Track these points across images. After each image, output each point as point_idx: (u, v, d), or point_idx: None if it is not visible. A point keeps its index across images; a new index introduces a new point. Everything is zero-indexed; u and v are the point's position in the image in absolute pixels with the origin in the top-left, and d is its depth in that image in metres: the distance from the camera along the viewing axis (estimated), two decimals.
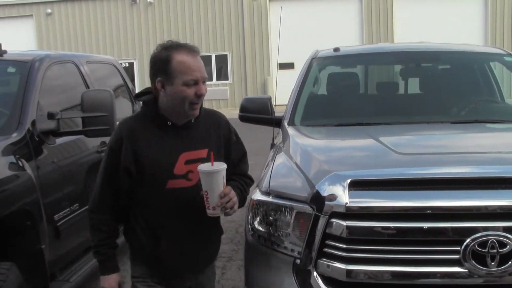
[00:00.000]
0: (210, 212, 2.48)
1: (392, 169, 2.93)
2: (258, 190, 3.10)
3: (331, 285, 2.69)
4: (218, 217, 2.62)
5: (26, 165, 3.54)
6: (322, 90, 5.29)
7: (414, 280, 2.61)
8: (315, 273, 2.72)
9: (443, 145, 3.62)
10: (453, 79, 5.05)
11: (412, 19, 24.20)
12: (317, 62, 5.02)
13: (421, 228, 2.59)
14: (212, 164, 2.43)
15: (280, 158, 3.47)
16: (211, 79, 24.28)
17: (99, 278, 2.64)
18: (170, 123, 2.54)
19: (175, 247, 2.57)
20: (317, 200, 2.72)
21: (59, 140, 4.09)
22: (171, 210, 2.53)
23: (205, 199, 2.45)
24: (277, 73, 5.27)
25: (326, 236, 2.68)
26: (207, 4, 25.84)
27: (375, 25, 25.07)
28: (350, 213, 2.63)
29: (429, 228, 2.59)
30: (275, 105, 4.46)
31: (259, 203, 3.01)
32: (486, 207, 2.59)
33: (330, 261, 2.67)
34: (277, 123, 4.38)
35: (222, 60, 25.80)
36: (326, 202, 2.67)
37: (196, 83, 2.45)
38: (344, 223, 2.62)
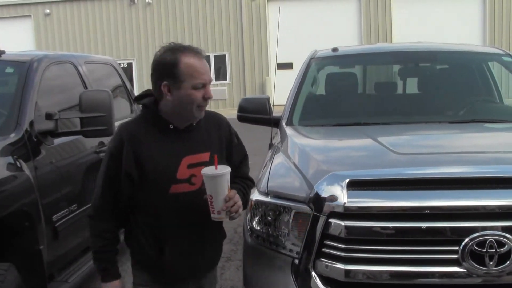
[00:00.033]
0: (215, 216, 2.42)
1: (390, 169, 2.93)
2: (256, 190, 3.09)
3: (330, 285, 2.69)
4: (221, 221, 2.57)
5: (24, 166, 3.53)
6: (321, 90, 5.29)
7: (413, 280, 2.61)
8: (313, 273, 2.72)
9: (441, 145, 3.62)
10: (451, 79, 5.05)
11: (411, 19, 24.22)
12: (315, 62, 5.02)
13: (420, 228, 2.59)
14: (216, 168, 2.38)
15: (278, 158, 3.47)
16: None
17: (101, 286, 2.57)
18: (172, 127, 2.48)
19: (179, 253, 2.52)
20: (316, 200, 2.72)
21: (57, 141, 4.08)
22: (174, 216, 2.47)
23: (209, 203, 2.39)
24: (275, 73, 5.28)
25: (324, 236, 2.68)
26: (205, 4, 25.85)
27: (374, 25, 25.09)
28: (348, 213, 2.63)
29: (428, 228, 2.59)
30: (273, 105, 4.46)
31: (258, 203, 3.01)
32: (484, 206, 2.59)
33: (328, 261, 2.67)
34: (275, 123, 4.38)
35: (220, 60, 25.81)
36: (324, 202, 2.67)
37: (204, 86, 2.41)
38: (343, 223, 2.62)
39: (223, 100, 25.11)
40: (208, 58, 24.78)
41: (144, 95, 2.56)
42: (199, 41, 24.84)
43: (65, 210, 4.04)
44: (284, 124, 4.28)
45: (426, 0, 24.25)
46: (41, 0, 26.64)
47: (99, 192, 2.52)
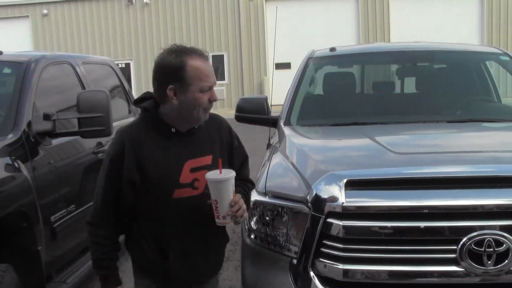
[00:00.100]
0: (219, 221, 2.36)
1: (388, 169, 2.93)
2: (254, 191, 3.09)
3: (328, 285, 2.69)
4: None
5: (22, 166, 3.53)
6: (318, 90, 5.28)
7: (411, 280, 2.62)
8: (312, 273, 2.72)
9: (439, 144, 3.62)
10: (449, 79, 5.06)
11: (408, 18, 24.24)
12: (313, 62, 5.02)
13: (418, 227, 2.60)
14: (220, 172, 2.32)
15: (277, 158, 3.47)
16: None
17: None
18: (174, 130, 2.42)
19: (183, 259, 2.46)
20: (314, 200, 2.72)
21: (55, 141, 4.07)
22: (178, 221, 2.41)
23: (214, 208, 2.34)
24: (273, 73, 5.27)
25: (322, 236, 2.68)
26: (203, 4, 25.84)
27: (372, 25, 25.10)
28: (346, 213, 2.63)
29: (426, 228, 2.59)
30: (271, 105, 4.46)
31: (256, 203, 3.01)
32: (482, 206, 2.59)
33: (327, 261, 2.67)
34: (273, 123, 4.38)
35: (218, 60, 25.79)
36: (322, 202, 2.67)
37: (210, 88, 2.37)
38: (341, 222, 2.62)
39: (221, 100, 25.09)
40: None
41: (144, 98, 2.49)
42: (197, 41, 24.84)
43: (63, 211, 4.03)
44: (282, 124, 4.29)
45: (424, 0, 24.26)
46: (39, 1, 26.61)
47: (99, 198, 2.44)
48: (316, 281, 2.71)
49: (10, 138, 3.63)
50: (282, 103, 4.68)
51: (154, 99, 2.44)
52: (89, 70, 5.27)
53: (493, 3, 24.29)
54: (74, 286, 4.05)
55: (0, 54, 4.34)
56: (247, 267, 3.21)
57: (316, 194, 2.72)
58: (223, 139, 2.57)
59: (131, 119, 5.82)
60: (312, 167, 3.08)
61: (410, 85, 5.21)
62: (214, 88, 2.42)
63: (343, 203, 2.63)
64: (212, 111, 2.53)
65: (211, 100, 2.38)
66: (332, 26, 24.49)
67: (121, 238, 2.63)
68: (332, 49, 5.08)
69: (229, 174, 2.32)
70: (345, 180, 2.70)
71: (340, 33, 24.10)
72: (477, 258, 2.51)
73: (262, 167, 3.48)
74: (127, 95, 6.17)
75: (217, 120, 2.60)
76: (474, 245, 2.51)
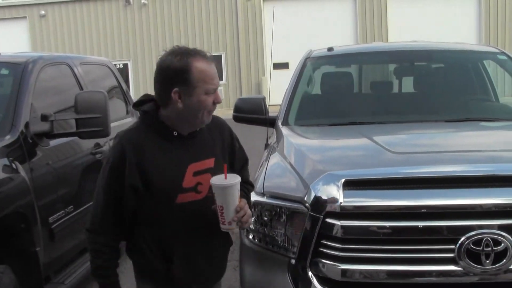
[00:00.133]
0: (225, 227, 2.32)
1: (386, 168, 2.93)
2: (252, 191, 3.09)
3: (326, 285, 2.69)
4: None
5: (20, 168, 3.52)
6: (316, 89, 5.28)
7: (410, 279, 2.62)
8: (310, 273, 2.72)
9: (437, 143, 3.62)
10: (447, 78, 5.06)
11: (406, 18, 24.24)
12: (311, 62, 5.02)
13: (416, 227, 2.60)
14: (226, 177, 2.27)
15: (274, 159, 3.47)
16: None
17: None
18: (176, 133, 2.36)
19: (187, 264, 2.40)
20: (312, 200, 2.71)
21: (53, 142, 4.07)
22: (181, 226, 2.35)
23: (219, 214, 2.29)
24: (270, 73, 5.26)
25: (321, 236, 2.68)
26: (201, 4, 25.82)
27: (369, 25, 25.10)
28: (344, 213, 2.63)
29: (424, 227, 2.59)
30: (269, 105, 4.46)
31: (254, 203, 3.00)
32: (480, 205, 2.60)
33: (325, 260, 2.67)
34: (271, 123, 4.37)
35: (216, 61, 25.11)
36: (320, 202, 2.67)
37: (214, 91, 2.33)
38: (339, 222, 2.62)
39: None
40: None
41: (143, 100, 2.43)
42: (194, 42, 24.83)
43: (61, 212, 4.02)
44: (280, 124, 4.28)
45: (421, 0, 24.28)
46: (36, 2, 26.58)
47: (99, 205, 2.36)
48: (315, 281, 2.70)
49: (8, 139, 3.62)
50: (280, 103, 4.68)
51: (154, 101, 2.39)
52: (87, 70, 5.27)
53: (490, 3, 24.31)
54: (73, 287, 4.04)
55: None
56: (245, 268, 3.21)
57: (314, 194, 2.72)
58: (224, 141, 2.53)
59: (129, 119, 5.82)
60: (310, 167, 3.08)
61: (408, 85, 5.21)
62: None
63: (341, 203, 2.62)
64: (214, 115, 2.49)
65: (215, 102, 2.34)
66: (329, 26, 24.48)
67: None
68: (330, 49, 5.07)
69: (235, 180, 2.27)
70: (343, 180, 2.70)
71: (338, 32, 24.09)
72: (475, 257, 2.51)
73: (260, 168, 3.47)
74: (125, 95, 6.16)
75: (218, 122, 2.54)
76: (472, 245, 2.51)
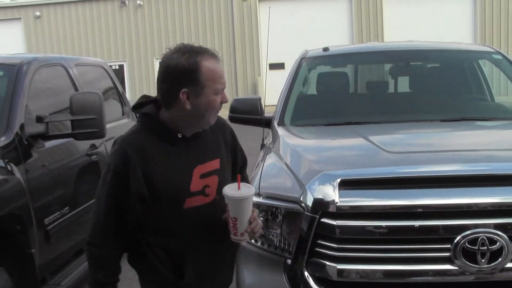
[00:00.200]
0: (237, 238, 2.23)
1: (382, 168, 2.93)
2: None
3: (323, 285, 2.68)
4: None
5: (15, 169, 3.51)
6: (312, 90, 5.28)
7: (406, 279, 2.61)
8: (306, 273, 2.71)
9: (433, 143, 3.62)
10: (442, 78, 5.06)
11: (402, 18, 24.29)
12: (306, 62, 5.01)
13: (412, 226, 2.60)
14: (239, 187, 2.16)
15: (270, 159, 3.46)
16: None
17: None
18: (181, 135, 2.25)
19: (197, 273, 2.29)
20: (307, 200, 2.71)
21: (48, 144, 4.06)
22: (190, 232, 2.25)
23: (231, 225, 2.20)
24: (266, 73, 5.26)
25: (317, 235, 2.67)
26: (196, 5, 25.82)
27: (365, 25, 25.13)
28: (340, 213, 2.63)
29: (420, 226, 2.59)
30: (264, 106, 4.45)
31: None
32: (476, 204, 2.60)
33: (321, 260, 2.67)
34: (266, 123, 4.37)
35: None
36: (316, 202, 2.67)
37: (222, 90, 2.24)
38: (335, 222, 2.61)
39: None
40: None
41: (142, 102, 2.31)
42: (190, 42, 24.72)
43: (57, 213, 4.01)
44: (275, 124, 4.28)
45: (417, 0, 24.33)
46: (31, 3, 26.54)
47: (100, 216, 2.21)
48: (311, 281, 2.70)
49: (3, 140, 3.61)
50: (276, 103, 4.68)
51: (154, 103, 2.28)
52: (82, 72, 5.25)
53: (486, 2, 24.38)
54: None
55: None
56: (242, 268, 3.19)
57: (310, 194, 2.72)
58: (227, 141, 2.45)
59: (125, 121, 5.81)
60: (306, 167, 3.07)
61: (403, 85, 5.22)
62: None
63: (337, 203, 2.62)
64: None
65: (222, 102, 2.25)
66: (325, 26, 24.51)
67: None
68: (325, 49, 5.07)
69: (250, 191, 2.18)
70: (338, 180, 2.69)
71: (333, 33, 24.12)
72: (471, 256, 2.52)
73: (256, 168, 3.47)
74: (120, 97, 6.15)
75: (219, 122, 2.43)
76: (468, 244, 2.51)
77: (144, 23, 26.16)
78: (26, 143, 3.79)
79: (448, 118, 4.20)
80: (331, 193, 2.65)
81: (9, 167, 3.47)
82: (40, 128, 3.92)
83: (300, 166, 3.13)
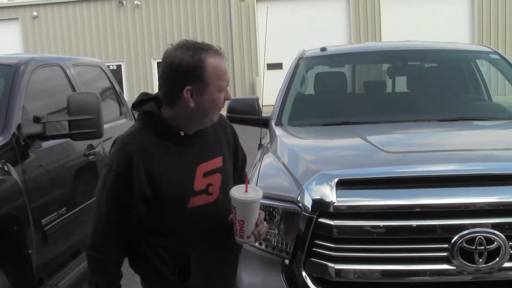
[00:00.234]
0: (242, 240, 2.20)
1: (379, 168, 2.93)
2: None
3: (320, 285, 2.68)
4: None
5: (12, 170, 3.50)
6: (310, 90, 5.28)
7: (403, 278, 2.62)
8: (304, 273, 2.71)
9: (431, 143, 3.63)
10: (440, 77, 5.07)
11: (400, 18, 24.28)
12: (304, 62, 5.01)
13: (410, 226, 2.60)
14: (247, 190, 2.13)
15: (268, 159, 3.46)
16: None
17: None
18: (183, 134, 2.20)
19: (202, 275, 2.23)
20: (305, 200, 2.71)
21: (46, 144, 4.05)
22: (194, 232, 2.20)
23: (238, 227, 2.16)
24: (263, 74, 5.26)
25: (314, 235, 2.67)
26: (194, 5, 25.80)
27: (363, 24, 25.13)
28: (338, 213, 2.63)
29: (418, 226, 2.59)
30: (262, 106, 4.45)
31: None
32: (473, 204, 2.60)
33: (319, 260, 2.67)
34: (264, 123, 4.37)
35: None
36: (313, 202, 2.67)
37: (226, 87, 2.20)
38: (332, 222, 2.61)
39: None
40: None
41: (142, 100, 2.24)
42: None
43: (54, 214, 4.00)
44: (273, 124, 4.28)
45: (414, 0, 24.33)
46: (28, 3, 26.48)
47: (101, 219, 2.14)
48: (309, 281, 2.70)
49: (0, 141, 3.60)
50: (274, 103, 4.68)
51: (155, 101, 2.23)
52: (80, 72, 5.24)
53: (483, 2, 24.39)
54: None
55: None
56: (239, 268, 3.19)
57: (307, 194, 2.72)
58: (228, 138, 2.41)
59: (122, 121, 5.80)
60: (303, 167, 3.07)
61: (401, 84, 5.22)
62: None
63: (334, 202, 2.62)
64: None
65: (226, 99, 2.21)
66: (323, 26, 24.50)
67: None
68: (323, 49, 5.07)
69: (259, 194, 2.14)
70: (336, 180, 2.69)
71: (331, 33, 24.10)
72: (468, 256, 2.52)
73: (253, 168, 3.47)
74: (118, 97, 6.14)
75: (220, 119, 2.39)
76: (466, 243, 2.51)
77: (141, 23, 26.13)
78: (23, 143, 3.79)
79: (446, 118, 4.20)
80: (328, 193, 2.65)
81: (6, 168, 3.46)
82: (37, 128, 3.91)
83: (298, 166, 3.13)
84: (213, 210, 2.23)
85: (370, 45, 7.61)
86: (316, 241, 2.67)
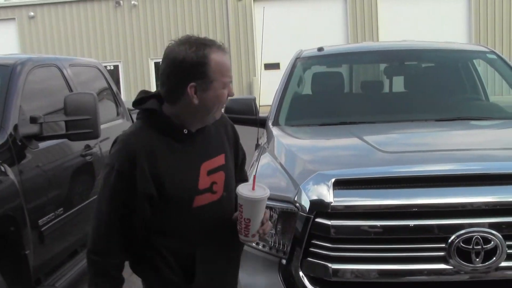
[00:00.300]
0: (247, 239, 2.17)
1: (376, 168, 2.93)
2: None
3: (318, 285, 2.68)
4: None
5: (9, 170, 3.49)
6: (307, 90, 5.28)
7: (401, 278, 2.62)
8: (301, 273, 2.71)
9: (428, 143, 3.63)
10: (437, 77, 5.07)
11: (397, 18, 24.30)
12: (301, 62, 5.01)
13: (407, 226, 2.60)
14: (253, 188, 2.11)
15: (265, 159, 3.46)
16: None
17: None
18: (186, 131, 2.15)
19: (207, 275, 2.19)
20: (302, 200, 2.71)
21: (42, 144, 4.04)
22: (199, 233, 2.16)
23: (243, 226, 2.13)
24: (261, 74, 5.26)
25: (311, 236, 2.67)
26: (191, 5, 25.78)
27: (360, 24, 25.14)
28: (335, 212, 2.63)
29: (415, 226, 2.60)
30: (259, 106, 4.45)
31: None
32: (470, 203, 2.60)
33: (316, 260, 2.67)
34: (261, 123, 4.37)
35: None
36: (310, 202, 2.67)
37: (230, 83, 2.17)
38: (329, 222, 2.61)
39: None
40: None
41: (143, 98, 2.20)
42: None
43: (51, 214, 3.99)
44: (270, 124, 4.28)
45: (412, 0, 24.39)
46: (25, 3, 26.43)
47: (103, 220, 2.08)
48: (306, 281, 2.70)
49: None
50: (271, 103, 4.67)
51: (156, 98, 2.18)
52: (76, 72, 5.23)
53: (480, 2, 24.42)
54: None
55: None
56: None
57: (304, 194, 2.72)
58: (229, 136, 2.37)
59: (119, 121, 5.80)
60: (300, 167, 3.08)
61: (398, 84, 5.22)
62: None
63: (331, 202, 2.62)
64: None
65: (229, 96, 2.18)
66: (320, 26, 24.50)
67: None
68: (320, 49, 5.07)
69: (266, 192, 2.12)
70: (333, 180, 2.70)
71: (328, 33, 24.11)
72: (465, 255, 2.52)
73: (251, 168, 3.47)
74: (115, 97, 6.14)
75: (221, 117, 2.34)
76: (463, 243, 2.52)
77: (138, 23, 26.09)
78: (20, 144, 3.78)
79: (443, 118, 4.21)
80: (325, 193, 2.65)
81: (2, 168, 3.45)
82: (34, 128, 3.90)
83: (295, 166, 3.13)
84: (217, 209, 2.20)
85: (367, 45, 7.60)
86: (313, 241, 2.67)
